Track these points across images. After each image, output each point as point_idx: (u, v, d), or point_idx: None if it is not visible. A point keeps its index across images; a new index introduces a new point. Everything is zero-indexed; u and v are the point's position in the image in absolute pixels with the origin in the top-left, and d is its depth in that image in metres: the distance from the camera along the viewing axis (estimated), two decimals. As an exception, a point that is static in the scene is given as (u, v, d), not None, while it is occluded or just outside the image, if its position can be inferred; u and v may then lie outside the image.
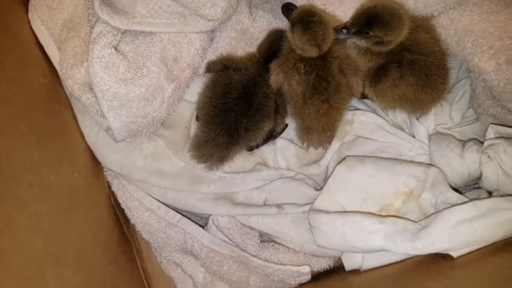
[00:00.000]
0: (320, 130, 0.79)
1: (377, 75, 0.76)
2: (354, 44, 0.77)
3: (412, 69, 0.73)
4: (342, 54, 0.77)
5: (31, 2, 0.76)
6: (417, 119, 0.82)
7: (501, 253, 0.66)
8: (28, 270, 0.52)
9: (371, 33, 0.72)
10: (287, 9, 0.77)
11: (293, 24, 0.73)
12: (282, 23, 0.83)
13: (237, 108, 0.75)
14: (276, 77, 0.76)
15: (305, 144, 0.83)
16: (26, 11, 0.76)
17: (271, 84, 0.77)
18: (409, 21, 0.73)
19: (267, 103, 0.77)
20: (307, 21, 0.72)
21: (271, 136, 0.84)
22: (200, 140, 0.76)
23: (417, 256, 0.72)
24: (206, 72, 0.81)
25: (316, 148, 0.85)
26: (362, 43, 0.75)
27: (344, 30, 0.74)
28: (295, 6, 0.77)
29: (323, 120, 0.77)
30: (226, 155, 0.77)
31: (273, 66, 0.76)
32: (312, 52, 0.74)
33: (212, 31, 0.79)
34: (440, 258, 0.69)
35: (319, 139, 0.81)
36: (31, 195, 0.59)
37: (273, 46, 0.79)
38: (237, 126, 0.75)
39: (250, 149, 0.84)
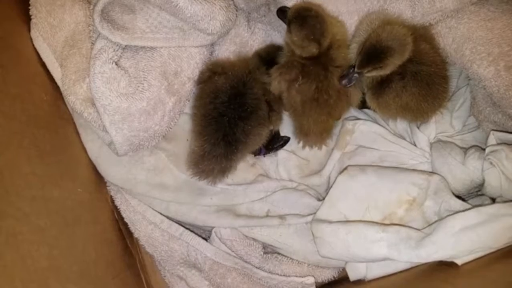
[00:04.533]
0: (317, 133, 0.79)
1: (380, 87, 0.75)
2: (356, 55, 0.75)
3: (415, 79, 0.73)
4: (345, 64, 0.76)
5: (33, 21, 0.77)
6: (418, 127, 0.82)
7: (506, 260, 0.65)
8: (31, 283, 0.52)
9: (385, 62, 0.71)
10: (283, 12, 0.75)
11: (289, 23, 0.71)
12: (281, 35, 0.84)
13: (229, 111, 0.71)
14: (278, 85, 0.75)
15: (301, 143, 0.84)
16: (28, 30, 0.77)
17: (262, 84, 0.75)
18: (410, 40, 0.71)
19: (259, 103, 0.74)
20: (304, 15, 0.70)
21: (274, 138, 0.82)
22: (197, 156, 0.74)
23: (421, 264, 0.71)
24: (198, 84, 0.79)
25: (312, 148, 0.85)
26: (379, 72, 0.73)
27: (356, 75, 0.72)
28: (289, 8, 0.74)
29: (321, 126, 0.78)
30: (227, 166, 0.74)
31: (275, 73, 0.75)
32: (312, 48, 0.72)
33: (212, 44, 0.80)
34: (444, 266, 0.69)
35: (315, 140, 0.82)
36: (34, 209, 0.59)
37: (273, 52, 0.79)
38: (233, 131, 0.71)
39: (255, 153, 0.82)
